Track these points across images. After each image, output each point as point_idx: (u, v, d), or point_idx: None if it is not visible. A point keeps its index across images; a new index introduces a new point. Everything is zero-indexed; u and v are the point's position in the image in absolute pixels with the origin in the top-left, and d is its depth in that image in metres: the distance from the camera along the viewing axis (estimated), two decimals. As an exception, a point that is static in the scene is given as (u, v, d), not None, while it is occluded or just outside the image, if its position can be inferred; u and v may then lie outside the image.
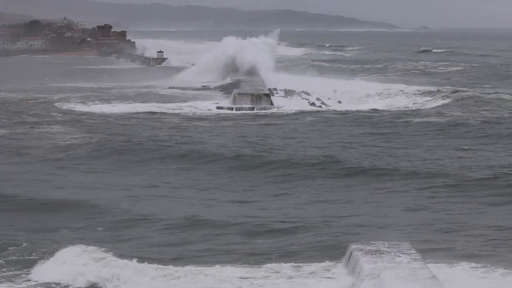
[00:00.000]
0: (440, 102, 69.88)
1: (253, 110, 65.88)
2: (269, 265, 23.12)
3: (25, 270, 23.22)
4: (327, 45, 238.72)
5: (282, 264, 23.18)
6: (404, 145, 46.63)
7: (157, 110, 65.95)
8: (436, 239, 26.15)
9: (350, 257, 22.12)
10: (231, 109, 66.83)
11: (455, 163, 39.70)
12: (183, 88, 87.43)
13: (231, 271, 22.59)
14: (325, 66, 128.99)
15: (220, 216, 29.87)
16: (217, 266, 23.11)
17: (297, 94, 74.77)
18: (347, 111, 64.42)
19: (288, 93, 75.74)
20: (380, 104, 69.01)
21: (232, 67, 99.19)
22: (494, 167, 37.90)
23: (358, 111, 64.24)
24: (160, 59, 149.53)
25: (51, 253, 23.84)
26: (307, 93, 75.06)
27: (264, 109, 66.22)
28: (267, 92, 71.37)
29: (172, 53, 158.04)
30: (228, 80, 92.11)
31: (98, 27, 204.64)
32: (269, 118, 61.26)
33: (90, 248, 23.92)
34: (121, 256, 23.70)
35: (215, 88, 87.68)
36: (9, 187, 35.01)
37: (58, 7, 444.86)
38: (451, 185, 34.42)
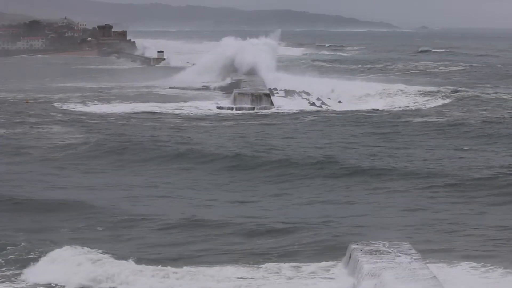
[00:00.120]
0: (440, 102, 69.87)
1: (253, 110, 65.87)
2: (268, 265, 23.10)
3: (21, 270, 23.15)
4: (326, 45, 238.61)
5: (282, 264, 23.16)
6: (404, 145, 46.62)
7: (157, 110, 65.93)
8: (436, 239, 26.13)
9: (350, 257, 22.10)
10: (232, 109, 66.81)
11: (455, 163, 39.68)
12: (183, 88, 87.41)
13: (231, 271, 22.57)
14: (325, 66, 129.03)
15: (219, 216, 29.85)
16: (217, 266, 23.09)
17: (297, 94, 74.77)
18: (347, 111, 64.39)
19: (288, 93, 75.75)
20: (380, 104, 69.00)
21: (231, 68, 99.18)
22: (494, 167, 37.87)
23: (358, 111, 64.22)
24: (161, 59, 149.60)
25: (46, 254, 23.76)
26: (307, 93, 75.06)
27: (265, 109, 66.22)
28: (268, 92, 71.37)
29: (172, 53, 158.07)
30: (228, 80, 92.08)
31: (99, 27, 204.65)
32: (269, 118, 61.25)
33: (86, 249, 23.86)
34: (119, 256, 23.66)
35: (215, 88, 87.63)
36: (9, 187, 34.98)
37: (58, 7, 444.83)
38: (451, 185, 34.40)
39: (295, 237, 26.57)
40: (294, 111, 64.76)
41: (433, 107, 67.07)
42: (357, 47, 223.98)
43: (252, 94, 68.90)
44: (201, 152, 43.49)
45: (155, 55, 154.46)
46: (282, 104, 68.55)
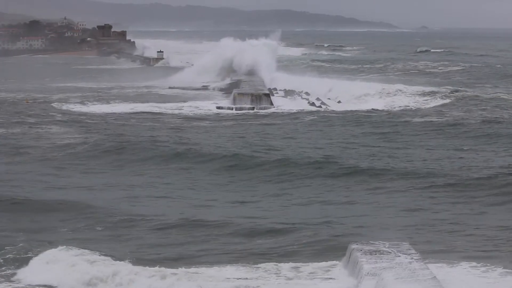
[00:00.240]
0: (440, 102, 69.84)
1: (253, 110, 65.86)
2: (268, 265, 23.06)
3: (16, 270, 23.09)
4: (325, 45, 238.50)
5: (282, 264, 23.12)
6: (404, 145, 46.60)
7: (157, 110, 65.90)
8: (436, 239, 26.11)
9: (350, 257, 22.07)
10: (231, 109, 66.81)
11: (455, 163, 39.66)
12: (183, 88, 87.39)
13: (230, 272, 22.53)
14: (325, 66, 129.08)
15: (219, 216, 29.82)
16: (216, 266, 23.05)
17: (297, 94, 74.79)
18: (347, 111, 64.38)
19: (288, 93, 75.77)
20: (380, 104, 68.96)
21: (230, 69, 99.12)
22: (494, 167, 37.85)
23: (358, 111, 64.21)
24: (160, 59, 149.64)
25: (41, 254, 23.65)
26: (307, 93, 75.08)
27: (264, 109, 66.21)
28: (267, 92, 71.38)
29: (172, 53, 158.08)
30: (228, 80, 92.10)
31: (98, 27, 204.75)
32: (269, 118, 61.23)
33: (82, 250, 23.74)
34: (117, 257, 23.61)
35: (215, 88, 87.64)
36: (8, 187, 34.95)
37: (58, 7, 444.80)
38: (451, 185, 34.36)
39: (295, 237, 26.54)
40: (294, 111, 64.74)
41: (432, 107, 67.06)
42: (357, 47, 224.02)
43: (251, 94, 68.89)
44: (201, 152, 43.47)
45: (155, 55, 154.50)
46: (281, 104, 68.55)
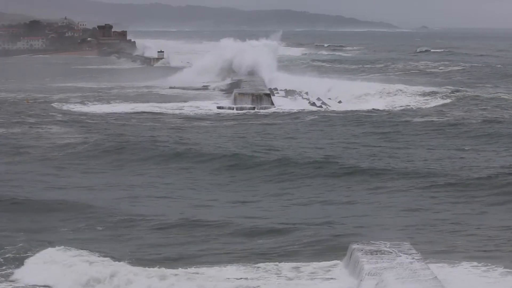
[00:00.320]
0: (440, 101, 69.83)
1: (253, 110, 65.86)
2: (268, 265, 23.02)
3: (14, 270, 23.07)
4: (325, 45, 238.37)
5: (282, 264, 23.09)
6: (404, 145, 46.59)
7: (157, 110, 65.88)
8: (437, 239, 26.07)
9: (350, 257, 22.04)
10: (232, 109, 66.80)
11: (455, 163, 39.65)
12: (183, 88, 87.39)
13: (230, 272, 22.50)
14: (325, 66, 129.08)
15: (219, 216, 29.80)
16: (216, 266, 23.02)
17: (297, 94, 74.77)
18: (348, 111, 64.37)
19: (289, 93, 75.75)
20: (380, 104, 68.94)
21: (230, 70, 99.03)
22: (494, 167, 37.82)
23: (358, 111, 64.19)
24: (161, 59, 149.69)
25: (39, 254, 23.63)
26: (308, 93, 75.05)
27: (265, 109, 66.21)
28: (268, 92, 71.39)
29: (173, 53, 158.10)
30: (229, 80, 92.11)
31: (99, 27, 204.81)
32: (269, 118, 61.22)
33: (80, 250, 23.70)
34: (116, 257, 23.57)
35: (216, 88, 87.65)
36: (8, 187, 34.94)
37: (58, 7, 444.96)
38: (452, 185, 34.33)
39: (296, 237, 26.51)
40: (295, 111, 64.74)
41: (433, 106, 67.04)
42: (357, 47, 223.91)
43: (252, 94, 68.91)
44: (201, 152, 43.45)
45: (155, 55, 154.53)
46: (282, 104, 68.54)
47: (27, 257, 23.71)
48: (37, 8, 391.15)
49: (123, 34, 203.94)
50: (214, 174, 38.78)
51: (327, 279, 21.83)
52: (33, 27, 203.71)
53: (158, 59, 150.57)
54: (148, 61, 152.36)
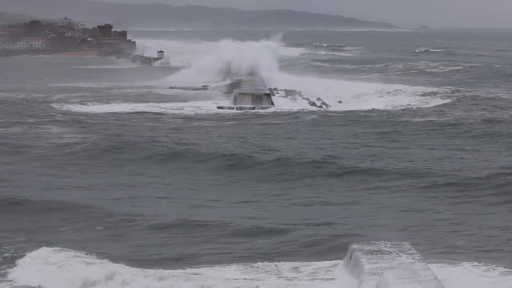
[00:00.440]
0: (440, 101, 69.84)
1: (253, 110, 65.87)
2: (268, 265, 23.00)
3: (7, 270, 23.04)
4: (324, 45, 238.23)
5: (282, 264, 23.08)
6: (404, 145, 46.59)
7: (157, 110, 65.84)
8: (437, 239, 26.07)
9: (351, 257, 22.02)
10: (232, 109, 66.81)
11: (455, 163, 39.65)
12: (183, 88, 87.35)
13: (230, 272, 22.47)
14: (325, 66, 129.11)
15: (219, 216, 29.78)
16: (216, 266, 23.01)
17: (297, 94, 74.76)
18: (348, 110, 64.39)
19: (289, 93, 75.73)
20: (380, 104, 68.92)
21: (229, 71, 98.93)
22: (495, 167, 37.82)
23: (358, 110, 64.22)
24: (161, 59, 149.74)
25: (32, 255, 23.53)
26: (307, 93, 75.02)
27: (265, 109, 66.22)
28: (268, 92, 71.39)
29: (172, 53, 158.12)
30: (229, 80, 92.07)
31: (99, 27, 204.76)
32: (270, 118, 61.21)
33: (76, 252, 23.60)
34: (115, 257, 23.54)
35: (216, 88, 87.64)
36: (7, 187, 34.92)
37: (58, 7, 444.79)
38: (452, 185, 34.33)
39: (295, 237, 26.48)
40: (295, 111, 64.76)
41: (433, 106, 67.04)
42: (356, 47, 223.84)
43: (252, 94, 68.93)
44: (201, 152, 43.42)
45: (156, 55, 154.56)
46: (282, 104, 68.55)
47: (24, 257, 23.61)
48: (37, 8, 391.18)
49: (123, 34, 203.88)
50: (214, 174, 38.76)
51: (327, 279, 21.81)
52: (33, 27, 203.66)
53: (158, 59, 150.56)
54: (148, 61, 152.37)
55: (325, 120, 59.03)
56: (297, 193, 34.30)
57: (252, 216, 29.90)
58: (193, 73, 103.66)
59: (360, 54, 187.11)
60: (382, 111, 64.22)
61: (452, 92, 75.06)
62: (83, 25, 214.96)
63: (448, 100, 70.17)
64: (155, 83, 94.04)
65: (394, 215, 29.91)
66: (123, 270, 22.03)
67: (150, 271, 22.10)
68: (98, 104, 70.22)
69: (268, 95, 69.33)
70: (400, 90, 77.09)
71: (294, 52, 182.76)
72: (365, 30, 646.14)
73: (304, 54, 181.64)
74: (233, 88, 77.00)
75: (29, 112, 62.57)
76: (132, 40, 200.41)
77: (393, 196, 33.26)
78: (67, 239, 26.50)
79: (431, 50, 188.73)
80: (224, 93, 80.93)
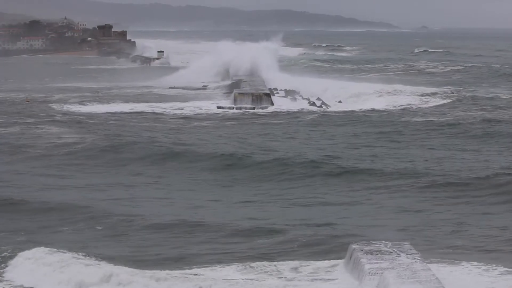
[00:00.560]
0: (440, 101, 69.81)
1: (253, 110, 65.87)
2: (268, 265, 22.98)
3: (5, 270, 23.03)
4: (323, 45, 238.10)
5: (282, 264, 23.06)
6: (404, 145, 46.58)
7: (157, 110, 65.83)
8: (437, 239, 26.06)
9: (351, 257, 22.01)
10: (232, 109, 66.81)
11: (455, 163, 39.65)
12: (183, 88, 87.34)
13: (229, 272, 22.44)
14: (325, 66, 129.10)
15: (219, 216, 29.78)
16: (216, 266, 22.97)
17: (297, 94, 74.75)
18: (347, 110, 64.40)
19: (289, 93, 75.73)
20: (379, 104, 68.87)
21: (228, 72, 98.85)
22: (494, 167, 37.81)
23: (358, 110, 64.22)
24: (161, 59, 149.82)
25: (28, 255, 23.53)
26: (307, 93, 75.00)
27: (265, 109, 66.22)
28: (268, 92, 71.41)
29: (172, 53, 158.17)
30: (229, 80, 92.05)
31: (99, 27, 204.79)
32: (269, 118, 61.21)
33: (75, 252, 23.56)
34: (113, 258, 23.52)
35: (216, 88, 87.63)
36: (7, 187, 34.90)
37: (58, 7, 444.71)
38: (452, 185, 34.32)
39: (295, 237, 26.44)
40: (295, 111, 64.77)
41: (433, 106, 67.01)
42: (356, 47, 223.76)
43: (252, 94, 68.95)
44: (201, 152, 43.41)
45: (155, 55, 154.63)
46: (282, 104, 68.55)
47: (21, 257, 23.55)
48: (37, 8, 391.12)
49: (123, 34, 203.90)
50: (213, 174, 38.74)
51: (327, 279, 21.78)
52: (33, 27, 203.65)
53: (156, 58, 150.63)
54: (147, 61, 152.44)
55: (325, 120, 59.02)
56: (297, 193, 34.29)
57: (252, 216, 29.88)
58: (192, 73, 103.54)
59: (360, 54, 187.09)
60: (382, 111, 64.21)
61: (452, 92, 75.05)
62: (83, 25, 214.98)
63: (447, 100, 70.14)
64: (155, 83, 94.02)
65: (394, 215, 29.89)
66: (120, 271, 21.96)
67: (148, 272, 22.06)
68: (98, 104, 70.19)
69: (268, 95, 69.34)
70: (400, 90, 77.06)
71: (293, 52, 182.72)
72: (365, 30, 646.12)
73: (304, 54, 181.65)
74: (233, 88, 77.00)
75: (28, 112, 62.56)
76: (132, 40, 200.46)
77: (393, 196, 33.24)
78: (66, 239, 26.49)
79: (430, 50, 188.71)
80: (224, 93, 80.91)
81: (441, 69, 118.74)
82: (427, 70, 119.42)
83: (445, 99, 71.06)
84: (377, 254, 21.34)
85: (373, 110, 64.33)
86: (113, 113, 63.28)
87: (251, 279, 21.77)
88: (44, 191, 34.26)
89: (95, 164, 41.31)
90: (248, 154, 42.30)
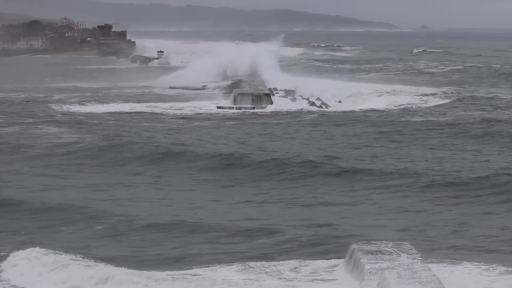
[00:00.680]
0: (440, 101, 69.80)
1: (253, 110, 65.85)
2: (269, 266, 22.95)
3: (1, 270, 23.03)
4: (322, 45, 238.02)
5: (282, 264, 23.02)
6: (405, 145, 46.56)
7: (157, 110, 65.80)
8: (437, 238, 26.05)
9: (351, 257, 21.98)
10: (232, 109, 66.79)
11: (456, 163, 39.64)
12: (183, 88, 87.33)
13: (229, 273, 22.39)
14: (325, 67, 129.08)
15: (219, 216, 29.75)
16: (215, 267, 22.92)
17: (297, 94, 74.75)
18: (347, 110, 64.39)
19: (289, 93, 75.73)
20: (379, 104, 68.85)
21: (229, 72, 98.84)
22: (494, 167, 37.80)
23: (358, 110, 64.21)
24: (161, 59, 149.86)
25: (24, 256, 23.43)
26: (307, 93, 75.00)
27: (265, 109, 66.19)
28: (268, 92, 71.40)
29: (172, 53, 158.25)
30: (228, 80, 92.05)
31: (99, 27, 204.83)
32: (269, 118, 61.18)
33: (74, 254, 23.51)
34: (113, 258, 23.49)
35: (216, 88, 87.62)
36: (5, 187, 34.88)
37: (58, 7, 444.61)
38: (452, 185, 34.29)
39: (295, 237, 26.40)
40: (294, 110, 64.74)
41: (433, 106, 67.00)
42: (355, 47, 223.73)
43: (252, 94, 68.94)
44: (201, 152, 43.38)
45: (155, 55, 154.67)
46: (282, 104, 68.53)
47: (18, 258, 23.46)
48: (37, 8, 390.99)
49: (123, 34, 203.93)
50: (213, 174, 38.72)
51: (327, 279, 21.74)
52: (33, 27, 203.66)
53: (157, 59, 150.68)
54: (147, 61, 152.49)
55: (325, 120, 59.01)
56: (297, 193, 34.27)
57: (252, 216, 29.85)
58: (192, 73, 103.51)
59: (360, 54, 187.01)
60: (382, 111, 64.19)
61: (452, 92, 75.04)
62: (83, 25, 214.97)
63: (447, 100, 70.13)
64: (155, 83, 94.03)
65: (394, 215, 29.86)
66: (117, 272, 21.88)
67: (149, 272, 22.02)
68: (97, 104, 70.17)
69: (268, 95, 69.33)
70: (400, 90, 77.08)
71: (293, 52, 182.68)
72: (364, 30, 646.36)
73: (303, 54, 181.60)
74: (233, 88, 77.01)
75: (28, 112, 62.53)
76: (132, 40, 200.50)
77: (393, 196, 33.22)
78: (66, 239, 26.45)
79: (429, 50, 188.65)
80: (224, 93, 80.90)
81: (441, 69, 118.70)
82: (427, 70, 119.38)
83: (445, 99, 71.05)
84: (377, 254, 21.32)
85: (373, 110, 64.32)
86: (112, 113, 63.25)
87: (251, 279, 21.73)
88: (43, 191, 34.23)
89: (95, 164, 41.29)
90: (248, 154, 42.29)
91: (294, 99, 71.52)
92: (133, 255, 24.55)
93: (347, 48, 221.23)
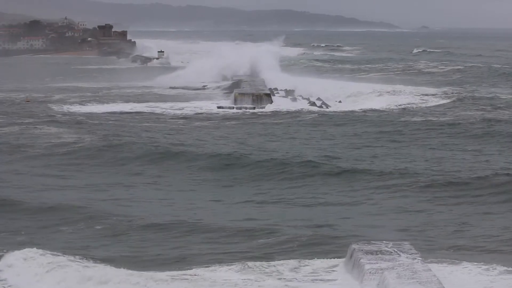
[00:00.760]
0: (440, 101, 69.81)
1: (254, 110, 65.84)
2: (268, 266, 22.93)
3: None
4: (322, 45, 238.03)
5: (282, 264, 23.01)
6: (405, 145, 46.55)
7: (157, 110, 65.81)
8: (437, 238, 26.04)
9: (351, 257, 21.97)
10: (232, 109, 66.79)
11: (456, 163, 39.62)
12: (183, 88, 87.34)
13: (229, 273, 22.37)
14: (325, 67, 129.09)
15: (219, 216, 29.74)
16: (215, 267, 22.90)
17: (297, 94, 74.76)
18: (347, 110, 64.38)
19: (289, 93, 75.75)
20: (379, 104, 68.86)
21: (229, 73, 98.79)
22: (495, 167, 37.79)
23: (358, 110, 64.20)
24: (161, 59, 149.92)
25: (21, 256, 23.38)
26: (308, 93, 75.02)
27: (265, 109, 66.18)
28: (268, 92, 71.41)
29: (172, 53, 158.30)
30: (229, 80, 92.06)
31: (99, 27, 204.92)
32: (270, 118, 61.17)
33: (73, 254, 23.48)
34: (112, 259, 23.46)
35: (216, 88, 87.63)
36: (5, 187, 34.86)
37: (59, 7, 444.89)
38: (452, 185, 34.28)
39: (295, 237, 26.39)
40: (295, 110, 64.74)
41: (433, 106, 67.00)
42: (355, 47, 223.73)
43: (252, 94, 68.95)
44: (201, 152, 43.38)
45: (156, 55, 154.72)
46: (282, 104, 68.53)
47: (16, 258, 23.43)
48: (37, 8, 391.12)
49: (123, 34, 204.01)
50: (213, 174, 38.71)
51: (327, 279, 21.73)
52: (33, 27, 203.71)
53: (158, 59, 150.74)
54: (148, 61, 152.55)
55: (325, 120, 59.00)
56: (297, 193, 34.26)
57: (252, 216, 29.84)
58: (193, 73, 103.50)
59: (360, 54, 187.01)
60: (382, 111, 64.19)
61: (452, 92, 75.04)
62: (83, 25, 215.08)
63: (447, 100, 70.14)
64: (155, 83, 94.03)
65: (394, 215, 29.85)
66: (120, 272, 21.88)
67: (148, 273, 22.00)
68: (97, 104, 70.17)
69: (268, 95, 69.34)
70: (400, 90, 77.09)
71: (293, 52, 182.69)
72: (365, 30, 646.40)
73: (303, 54, 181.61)
74: (233, 88, 77.04)
75: (28, 112, 62.53)
76: (132, 40, 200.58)
77: (394, 196, 33.20)
78: (65, 239, 26.44)
79: (429, 50, 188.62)
80: (224, 93, 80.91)
81: (441, 69, 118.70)
82: (427, 70, 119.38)
83: (445, 99, 71.06)
84: (377, 254, 21.30)
85: (373, 110, 64.32)
86: (112, 113, 63.26)
87: (251, 280, 21.71)
88: (43, 191, 34.22)
89: (95, 164, 41.28)
90: (248, 154, 42.28)
91: (294, 99, 71.53)
92: (133, 255, 24.55)
93: (347, 48, 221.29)
